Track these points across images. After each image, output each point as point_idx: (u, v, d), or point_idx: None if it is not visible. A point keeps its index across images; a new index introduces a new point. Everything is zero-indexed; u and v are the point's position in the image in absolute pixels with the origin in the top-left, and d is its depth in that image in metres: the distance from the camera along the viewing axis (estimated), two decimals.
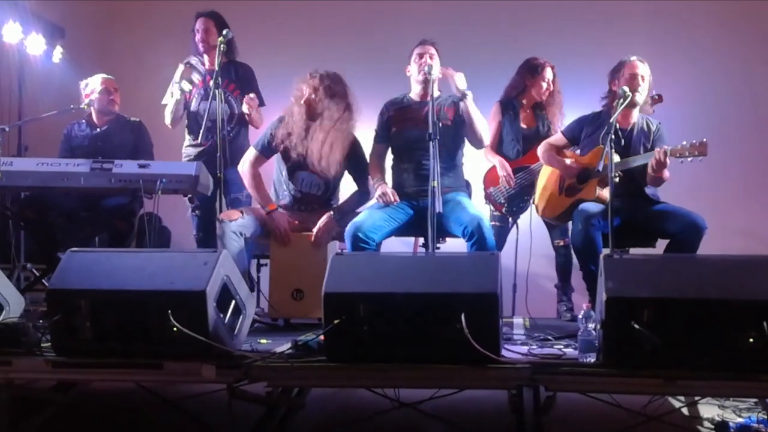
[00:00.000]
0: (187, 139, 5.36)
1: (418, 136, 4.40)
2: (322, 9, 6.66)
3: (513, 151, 5.23)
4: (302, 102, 4.65)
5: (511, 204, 5.20)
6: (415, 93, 4.67)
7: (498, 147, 5.27)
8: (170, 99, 5.25)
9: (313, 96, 4.63)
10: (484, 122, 4.63)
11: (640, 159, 4.35)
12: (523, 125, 5.26)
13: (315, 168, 4.64)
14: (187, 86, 5.13)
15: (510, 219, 5.20)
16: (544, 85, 5.20)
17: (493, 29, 6.46)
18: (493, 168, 5.26)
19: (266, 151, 4.75)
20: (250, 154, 4.77)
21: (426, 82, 4.46)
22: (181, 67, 5.17)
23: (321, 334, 3.23)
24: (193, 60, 5.22)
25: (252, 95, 5.07)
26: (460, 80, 4.51)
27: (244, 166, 4.76)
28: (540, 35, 6.24)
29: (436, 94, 4.47)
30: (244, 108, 5.05)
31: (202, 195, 4.88)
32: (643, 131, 4.50)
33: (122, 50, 6.72)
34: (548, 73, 5.20)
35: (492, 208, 5.25)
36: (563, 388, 3.12)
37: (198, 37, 5.27)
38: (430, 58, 4.55)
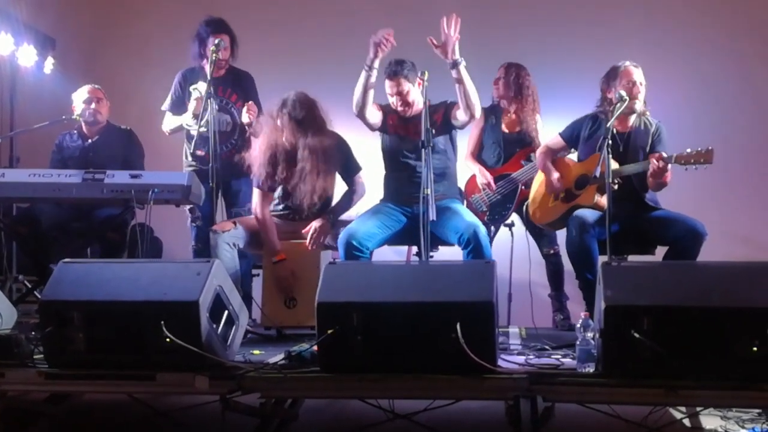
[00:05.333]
0: (187, 150, 5.24)
1: (411, 143, 4.41)
2: (314, 14, 6.64)
3: (494, 155, 5.20)
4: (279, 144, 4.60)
5: (493, 212, 5.17)
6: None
7: (479, 154, 5.26)
8: (171, 115, 5.19)
9: (284, 140, 4.57)
10: (475, 91, 4.36)
11: (638, 166, 4.31)
12: (506, 129, 5.23)
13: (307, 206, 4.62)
14: (192, 122, 4.99)
15: (492, 228, 5.16)
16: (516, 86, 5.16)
17: (482, 33, 6.32)
18: (474, 176, 5.24)
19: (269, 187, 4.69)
20: (256, 195, 4.66)
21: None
22: (194, 103, 5.02)
23: (314, 345, 3.19)
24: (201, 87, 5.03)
25: (251, 102, 4.99)
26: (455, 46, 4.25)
27: (255, 210, 4.66)
28: (531, 39, 6.19)
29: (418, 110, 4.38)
30: (244, 117, 4.97)
31: (204, 205, 4.84)
32: (641, 133, 4.46)
33: (113, 60, 6.69)
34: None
35: None
36: (561, 399, 3.09)
37: (222, 54, 5.04)
38: (402, 94, 4.40)
